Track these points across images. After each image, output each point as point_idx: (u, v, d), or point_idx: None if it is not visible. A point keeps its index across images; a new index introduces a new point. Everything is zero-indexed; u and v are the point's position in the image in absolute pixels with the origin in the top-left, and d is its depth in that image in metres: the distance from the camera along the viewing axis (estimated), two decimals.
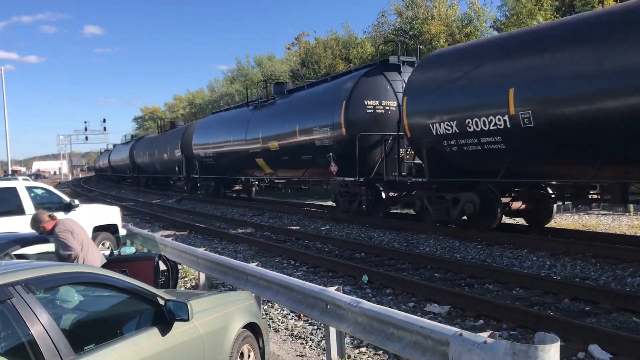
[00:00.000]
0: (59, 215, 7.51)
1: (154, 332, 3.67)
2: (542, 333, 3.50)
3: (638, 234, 12.70)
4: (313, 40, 46.85)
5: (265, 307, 7.95)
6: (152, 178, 44.48)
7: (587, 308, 7.32)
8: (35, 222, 6.48)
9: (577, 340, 5.86)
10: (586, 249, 10.53)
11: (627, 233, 12.96)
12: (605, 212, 16.95)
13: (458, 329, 3.91)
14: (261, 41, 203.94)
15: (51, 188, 11.68)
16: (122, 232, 12.13)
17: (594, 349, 5.56)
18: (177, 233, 16.81)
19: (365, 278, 9.37)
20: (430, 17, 30.52)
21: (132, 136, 56.52)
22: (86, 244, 6.41)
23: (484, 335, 3.72)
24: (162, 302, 3.82)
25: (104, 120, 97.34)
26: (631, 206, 16.00)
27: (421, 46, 29.36)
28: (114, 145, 62.77)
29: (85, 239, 6.46)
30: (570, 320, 6.37)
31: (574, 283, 8.41)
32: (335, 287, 5.80)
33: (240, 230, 16.57)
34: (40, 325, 2.96)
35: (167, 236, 13.89)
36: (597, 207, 16.36)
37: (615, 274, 8.97)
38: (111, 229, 11.84)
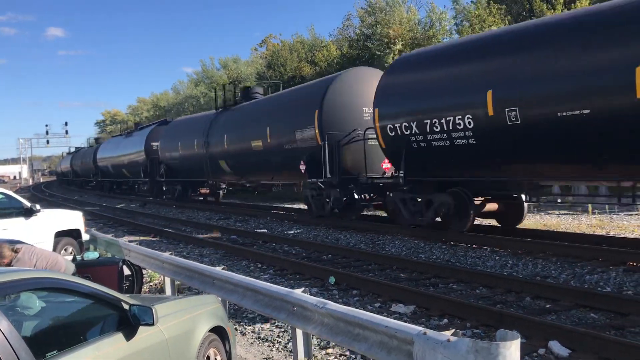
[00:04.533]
0: (21, 224, 7.31)
1: (119, 337, 3.64)
2: (503, 330, 3.57)
3: (596, 233, 13.06)
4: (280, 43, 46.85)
5: (232, 310, 7.92)
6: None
7: (548, 305, 7.50)
8: None
9: (538, 336, 6.00)
10: (547, 248, 10.79)
11: (586, 232, 13.32)
12: (566, 212, 17.37)
13: (422, 328, 3.97)
14: (226, 44, 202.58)
15: (11, 193, 11.41)
16: (85, 237, 11.92)
17: (554, 344, 5.72)
18: (142, 237, 16.59)
19: (332, 280, 9.41)
20: (391, 22, 30.82)
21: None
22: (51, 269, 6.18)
23: (447, 333, 3.79)
24: (126, 306, 3.79)
25: (66, 124, 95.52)
26: (590, 206, 16.45)
27: (377, 51, 29.72)
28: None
29: (49, 266, 6.21)
30: (531, 318, 6.53)
31: (535, 281, 8.60)
32: (302, 289, 5.82)
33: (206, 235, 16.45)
34: (0, 332, 2.90)
35: (131, 241, 13.70)
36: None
37: (575, 271, 9.22)
38: (74, 234, 11.63)
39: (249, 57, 55.82)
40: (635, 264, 9.22)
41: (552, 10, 25.46)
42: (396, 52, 27.63)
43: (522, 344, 3.84)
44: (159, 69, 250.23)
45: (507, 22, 26.95)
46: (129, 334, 3.71)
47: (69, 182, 64.53)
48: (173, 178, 28.85)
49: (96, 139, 58.65)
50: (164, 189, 30.73)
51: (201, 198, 29.13)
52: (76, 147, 66.65)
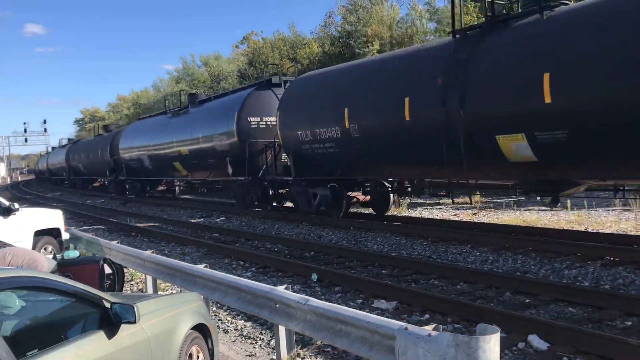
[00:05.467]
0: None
1: (100, 335, 3.62)
2: (483, 324, 3.63)
3: (574, 229, 13.24)
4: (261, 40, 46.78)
5: (214, 308, 7.91)
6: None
7: (527, 300, 7.61)
8: None
9: (518, 331, 6.09)
10: (527, 243, 10.92)
11: (564, 228, 13.50)
12: (545, 209, 17.58)
13: (403, 323, 4.01)
14: (207, 41, 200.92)
15: None
16: (65, 235, 11.80)
17: (533, 338, 5.80)
18: (123, 236, 16.46)
19: (314, 277, 9.44)
20: (370, 21, 30.89)
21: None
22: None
23: (428, 328, 3.83)
24: (108, 305, 3.77)
25: (45, 122, 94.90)
26: (568, 202, 16.67)
27: (357, 49, 29.80)
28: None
29: (25, 264, 6.15)
30: (511, 313, 6.62)
31: (515, 277, 8.72)
32: (285, 286, 5.84)
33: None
34: None
35: (112, 239, 13.59)
36: None
37: (554, 267, 9.35)
38: (53, 232, 11.50)
39: (230, 54, 55.64)
40: (612, 259, 9.38)
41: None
42: (374, 52, 27.69)
43: (502, 338, 3.91)
44: (139, 66, 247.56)
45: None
46: (111, 333, 3.69)
47: (58, 181, 54.92)
48: (310, 175, 16.65)
49: (105, 126, 45.12)
50: (270, 192, 19.89)
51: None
52: (69, 139, 56.79)
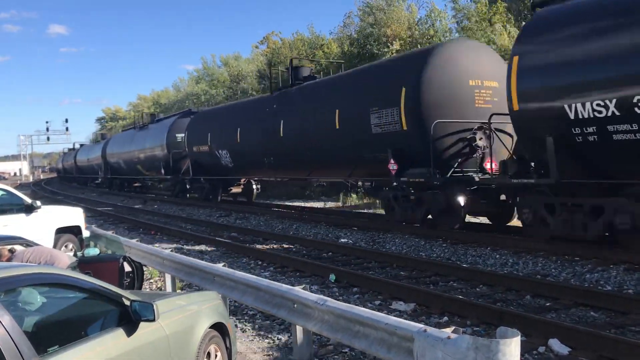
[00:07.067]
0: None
1: (120, 332, 3.64)
2: (503, 328, 3.59)
3: None
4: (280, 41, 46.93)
5: (233, 307, 7.93)
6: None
7: (548, 304, 7.51)
8: None
9: (538, 334, 6.01)
10: (547, 246, 10.77)
11: None
12: None
13: (422, 325, 3.98)
14: (227, 41, 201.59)
15: (11, 189, 11.41)
16: (86, 233, 11.92)
17: (554, 343, 5.72)
18: (142, 234, 16.60)
19: (332, 277, 9.42)
20: (389, 22, 30.62)
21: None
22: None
23: (448, 330, 3.80)
24: (127, 302, 3.79)
25: (66, 121, 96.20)
26: None
27: (376, 50, 29.64)
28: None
29: (42, 262, 6.19)
30: (531, 316, 6.54)
31: (535, 280, 8.62)
32: (303, 286, 5.83)
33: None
34: (2, 327, 2.90)
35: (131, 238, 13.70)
36: None
37: (575, 270, 9.22)
38: (74, 230, 11.62)
39: (249, 54, 55.76)
40: (635, 263, 9.21)
41: None
42: (393, 52, 27.51)
43: (522, 341, 3.85)
44: (159, 66, 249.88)
45: (512, 21, 26.61)
46: (130, 330, 3.71)
47: (125, 183, 38.80)
48: None
49: (298, 69, 20.74)
50: None
51: None
52: (190, 109, 34.83)
